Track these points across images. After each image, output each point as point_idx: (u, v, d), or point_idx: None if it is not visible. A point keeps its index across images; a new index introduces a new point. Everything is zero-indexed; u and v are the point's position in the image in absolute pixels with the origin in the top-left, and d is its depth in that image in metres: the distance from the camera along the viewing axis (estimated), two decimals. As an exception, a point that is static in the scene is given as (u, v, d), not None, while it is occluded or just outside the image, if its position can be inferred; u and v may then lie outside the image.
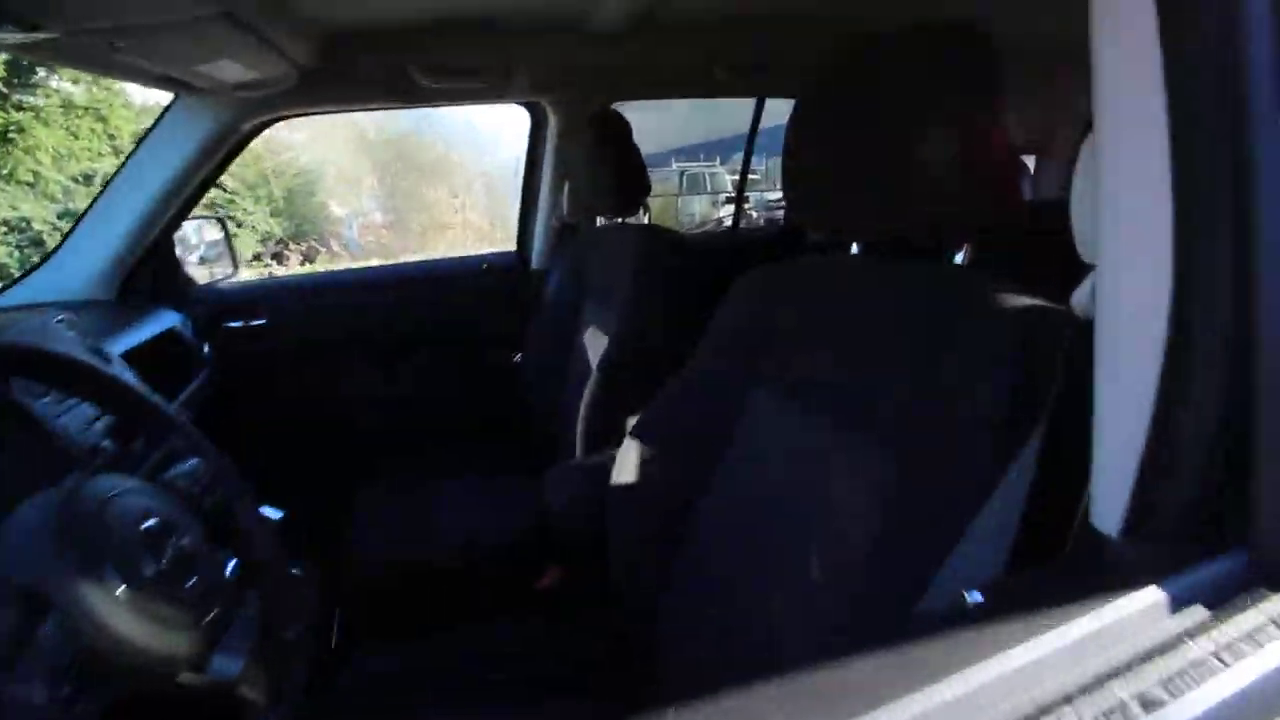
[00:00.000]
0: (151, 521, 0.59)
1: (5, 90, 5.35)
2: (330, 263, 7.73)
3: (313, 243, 8.35)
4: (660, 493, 0.92)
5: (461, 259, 1.87)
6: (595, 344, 1.46)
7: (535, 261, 1.89)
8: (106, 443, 0.73)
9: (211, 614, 0.59)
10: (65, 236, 1.40)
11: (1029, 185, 2.05)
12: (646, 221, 1.46)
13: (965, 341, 0.58)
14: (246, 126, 1.42)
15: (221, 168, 1.49)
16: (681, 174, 8.35)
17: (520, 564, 1.29)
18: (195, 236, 1.70)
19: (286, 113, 1.42)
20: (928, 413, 0.60)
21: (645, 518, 0.94)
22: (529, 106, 1.74)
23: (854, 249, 0.85)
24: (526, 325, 1.90)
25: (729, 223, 2.30)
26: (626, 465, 0.96)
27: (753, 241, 2.21)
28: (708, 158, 8.78)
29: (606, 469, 0.98)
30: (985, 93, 0.62)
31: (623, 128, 1.39)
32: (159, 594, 0.56)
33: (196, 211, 1.60)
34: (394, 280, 1.79)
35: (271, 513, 1.02)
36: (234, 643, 0.60)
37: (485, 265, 1.87)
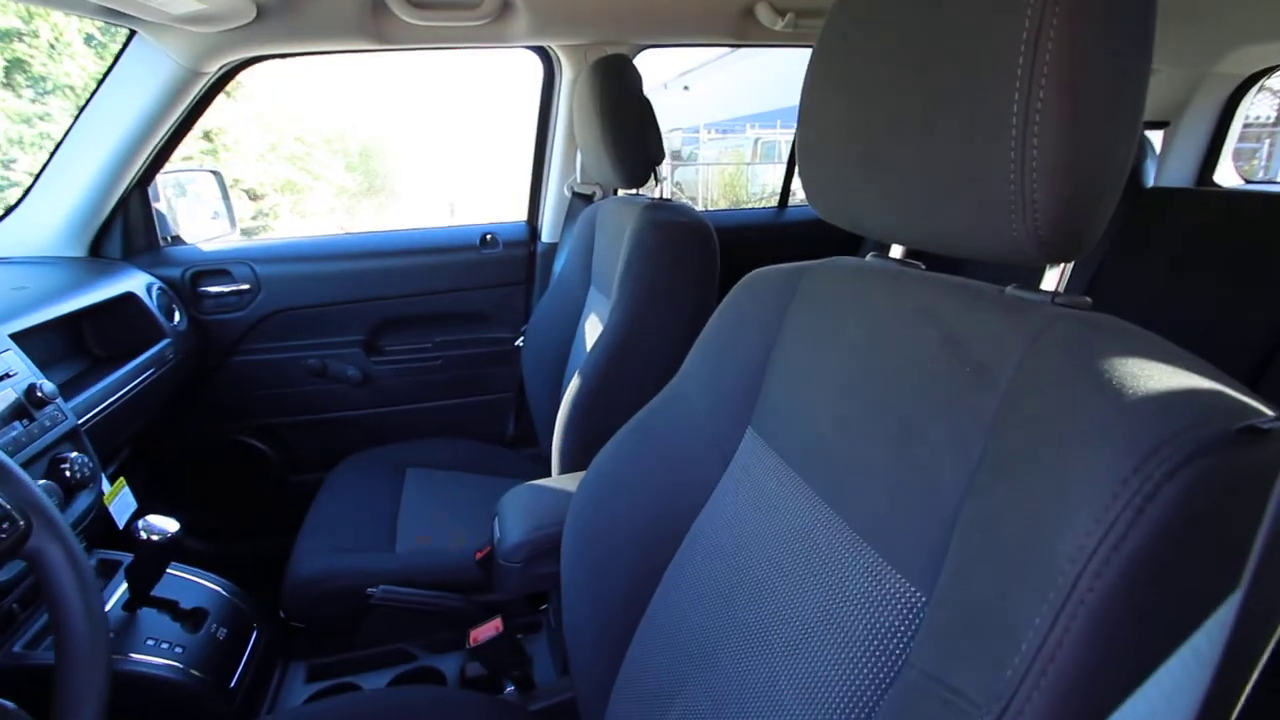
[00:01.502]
0: None
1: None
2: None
3: (382, 200, 8.49)
4: (623, 541, 0.70)
5: (465, 227, 1.68)
6: (591, 336, 1.24)
7: (545, 234, 1.67)
8: None
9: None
10: (28, 188, 1.29)
11: (1153, 167, 1.65)
12: (660, 195, 1.20)
13: (1074, 451, 0.33)
14: (210, 69, 1.26)
15: (192, 117, 1.35)
16: (755, 141, 7.86)
17: (461, 609, 1.11)
18: (183, 191, 1.58)
19: (249, 53, 1.24)
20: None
21: (601, 574, 0.72)
22: (539, 53, 1.50)
23: (894, 251, 0.59)
24: (531, 305, 1.70)
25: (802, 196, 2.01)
26: (584, 507, 0.75)
27: (799, 226, 1.91)
28: (787, 124, 8.25)
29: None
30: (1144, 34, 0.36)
31: (631, 78, 1.14)
32: None
33: (187, 165, 1.48)
34: (391, 248, 1.62)
35: (162, 525, 0.87)
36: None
37: (489, 235, 1.66)
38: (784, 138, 7.59)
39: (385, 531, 1.23)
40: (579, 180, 1.57)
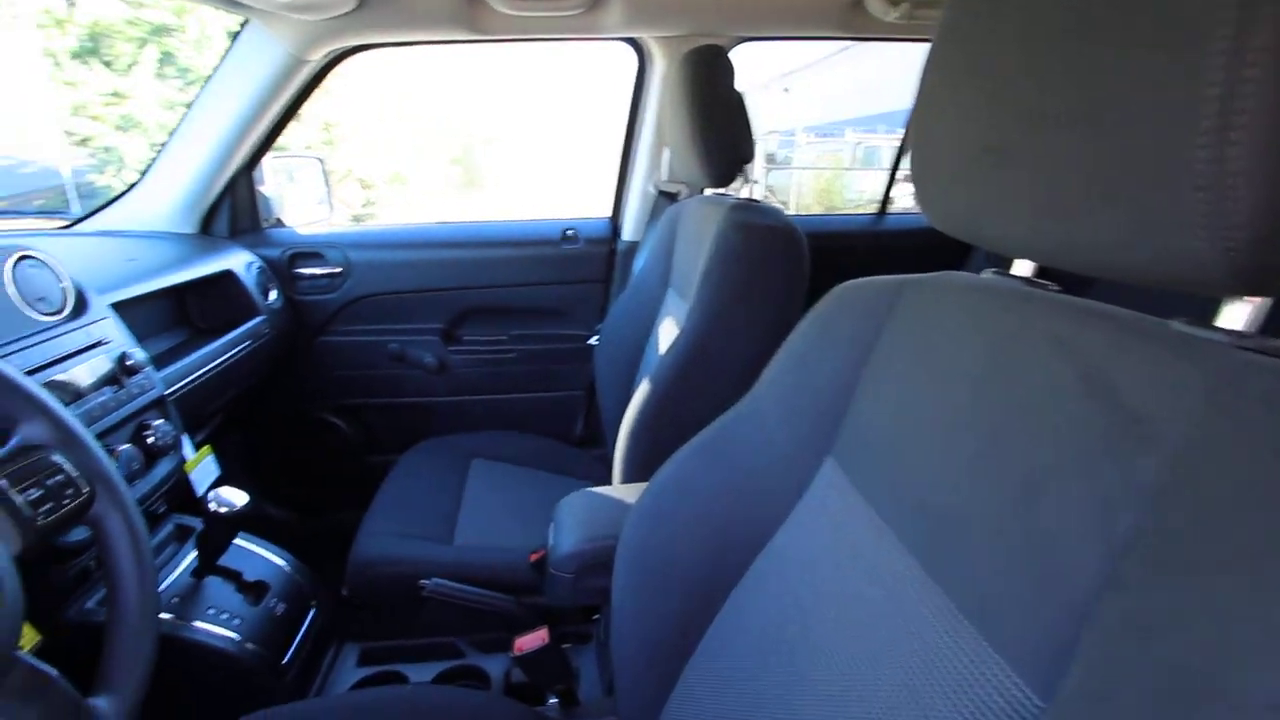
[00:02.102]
0: None
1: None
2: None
3: (481, 192, 8.84)
4: (680, 566, 0.64)
5: (548, 222, 1.67)
6: (666, 340, 1.19)
7: (628, 232, 1.63)
8: None
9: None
10: (147, 167, 1.38)
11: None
12: (748, 196, 1.13)
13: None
14: (314, 57, 1.30)
15: (297, 103, 1.40)
16: (855, 146, 7.55)
17: (510, 611, 1.08)
18: (287, 176, 1.65)
19: (351, 42, 1.27)
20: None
21: (654, 597, 0.66)
22: (632, 45, 1.46)
23: (1019, 268, 0.50)
24: (608, 303, 1.67)
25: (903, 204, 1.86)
26: (640, 526, 0.69)
27: (900, 235, 1.77)
28: (891, 128, 7.89)
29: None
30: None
31: (725, 70, 1.07)
32: None
33: (290, 150, 1.54)
34: (474, 239, 1.63)
35: (230, 498, 0.88)
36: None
37: (571, 231, 1.64)
38: (886, 143, 7.25)
39: (445, 522, 1.22)
40: (665, 178, 1.52)
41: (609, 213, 1.70)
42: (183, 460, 1.00)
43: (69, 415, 0.60)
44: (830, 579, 0.52)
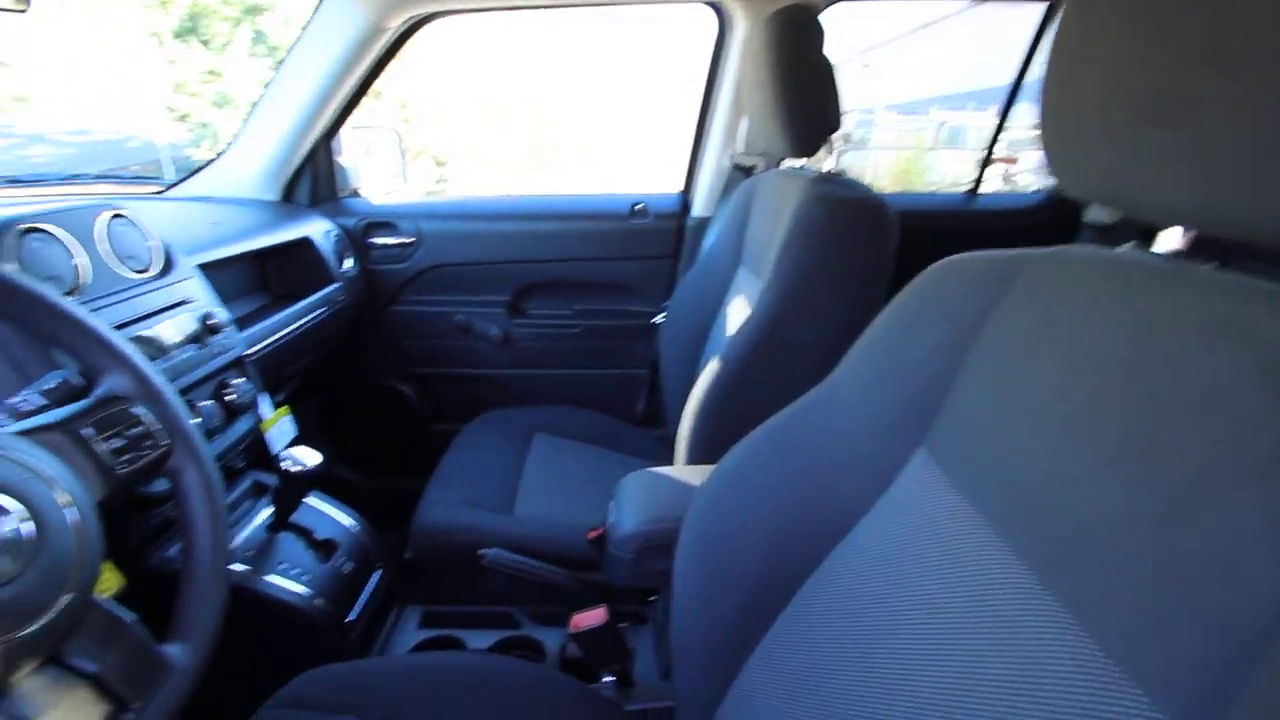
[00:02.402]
0: None
1: None
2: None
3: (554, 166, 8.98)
4: (746, 556, 0.61)
5: (617, 196, 1.63)
6: (736, 320, 1.14)
7: (699, 207, 1.58)
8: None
9: (12, 638, 0.43)
10: (235, 136, 1.43)
11: None
12: (829, 169, 1.06)
13: None
14: (393, 24, 1.30)
15: (374, 73, 1.41)
16: (940, 125, 7.14)
17: (567, 586, 1.07)
18: (364, 147, 1.68)
19: (428, 9, 1.26)
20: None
21: (718, 586, 0.62)
22: (713, 8, 1.39)
23: (1167, 240, 0.43)
24: (676, 281, 1.63)
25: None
26: (706, 511, 0.66)
27: (994, 213, 1.64)
28: (981, 107, 7.42)
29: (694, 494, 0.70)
30: None
31: (815, 33, 1.00)
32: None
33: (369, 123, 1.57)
34: (542, 212, 1.62)
35: (304, 457, 0.90)
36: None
37: (640, 205, 1.60)
38: (973, 122, 6.82)
39: (506, 493, 1.23)
40: (741, 150, 1.45)
41: (680, 188, 1.65)
42: (260, 419, 1.03)
43: (152, 369, 0.62)
44: (917, 582, 0.47)
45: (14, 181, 1.20)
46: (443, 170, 8.63)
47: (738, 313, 1.15)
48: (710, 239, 1.49)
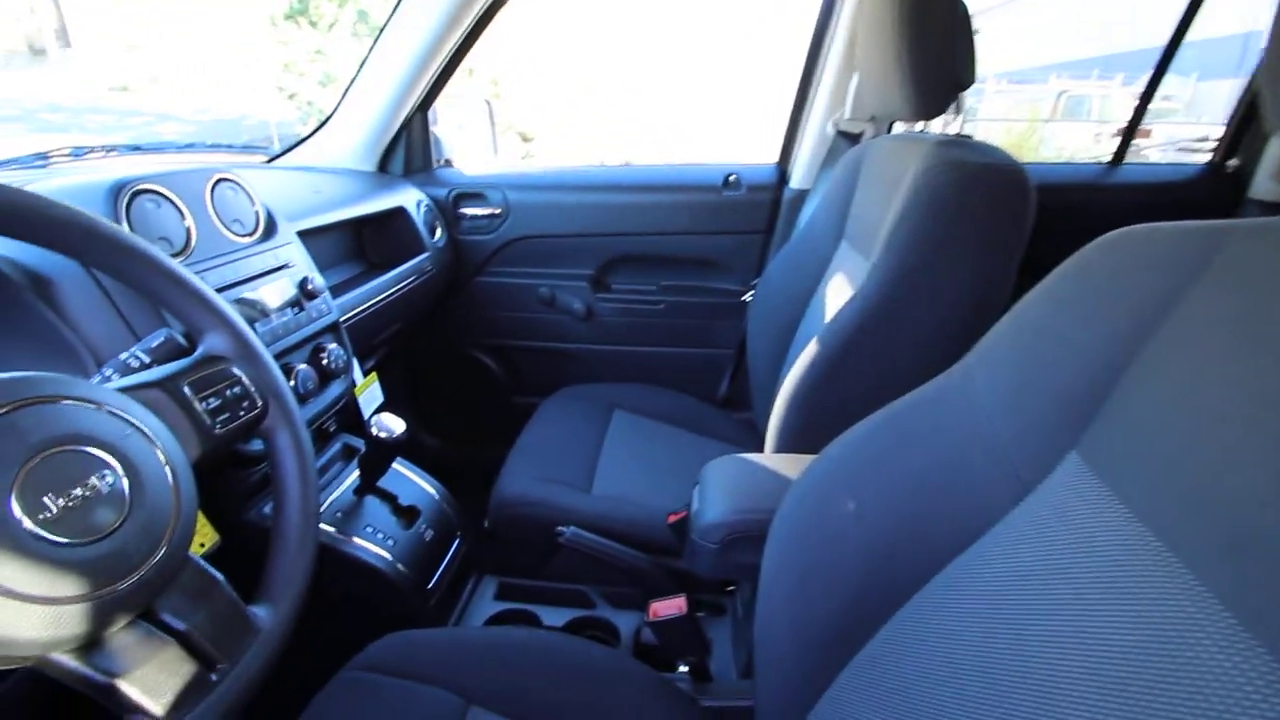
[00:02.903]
0: (64, 449, 0.44)
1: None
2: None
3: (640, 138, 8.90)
4: (849, 557, 0.55)
5: (709, 166, 1.56)
6: (835, 300, 1.05)
7: (796, 179, 1.48)
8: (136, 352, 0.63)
9: (107, 591, 0.43)
10: (334, 108, 1.45)
11: None
12: (956, 133, 0.95)
13: None
14: (488, -13, 1.27)
15: (469, 41, 1.39)
16: (1059, 95, 6.51)
17: (645, 570, 1.04)
18: (457, 118, 1.68)
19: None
20: None
21: (812, 587, 0.57)
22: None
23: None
24: (767, 258, 1.54)
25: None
26: (804, 502, 0.61)
27: (1142, 186, 1.44)
28: (1105, 75, 6.72)
29: (786, 485, 0.65)
30: None
31: None
32: (39, 545, 0.42)
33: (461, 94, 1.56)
34: (630, 183, 1.57)
35: (391, 425, 0.90)
36: (125, 645, 0.44)
37: (733, 176, 1.52)
38: (1097, 91, 6.17)
39: (585, 469, 1.21)
40: (848, 116, 1.34)
41: (776, 158, 1.56)
42: (353, 384, 1.05)
43: (251, 332, 0.62)
44: (1070, 605, 0.39)
45: (137, 149, 1.26)
46: (529, 146, 8.74)
47: (838, 292, 1.07)
48: (808, 213, 1.40)
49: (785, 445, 0.96)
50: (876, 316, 0.86)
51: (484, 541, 1.18)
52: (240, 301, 0.82)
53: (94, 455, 0.44)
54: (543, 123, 8.71)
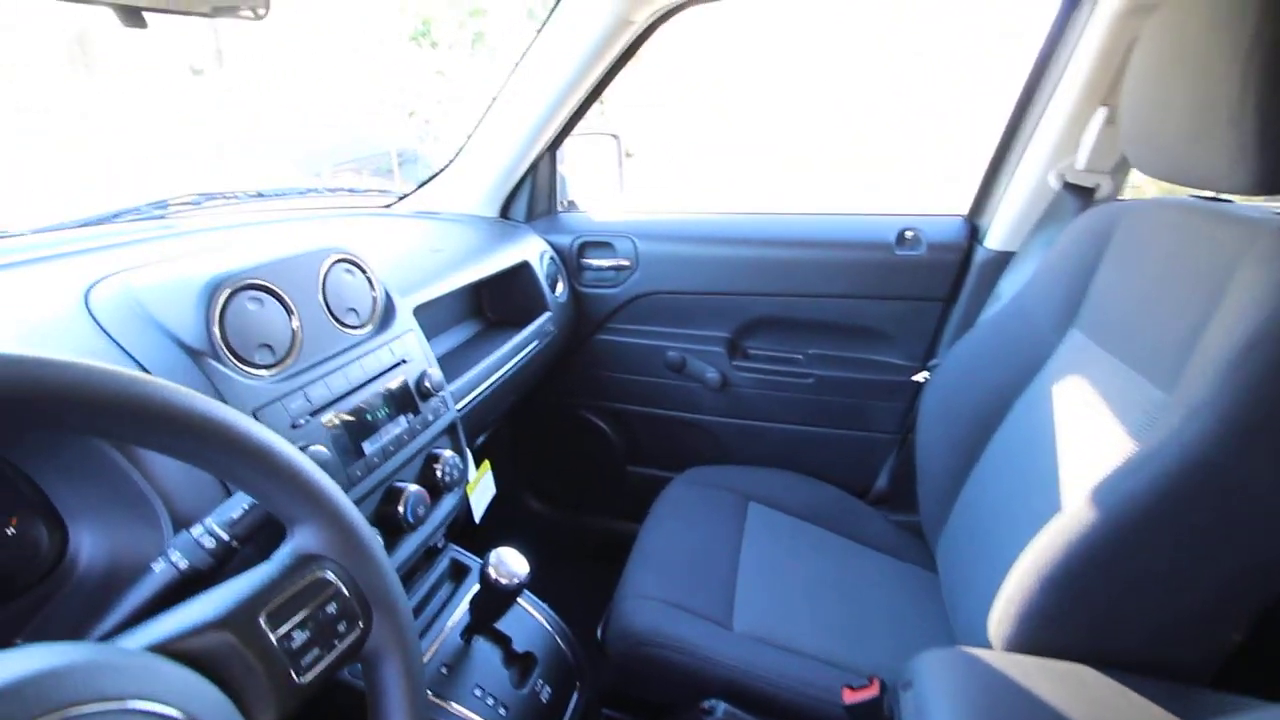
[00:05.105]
0: None
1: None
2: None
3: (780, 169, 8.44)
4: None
5: (879, 218, 1.30)
6: (1080, 421, 0.78)
7: (996, 238, 1.20)
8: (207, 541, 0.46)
9: None
10: (460, 148, 1.32)
11: None
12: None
13: None
14: (639, 17, 1.09)
15: (611, 74, 1.22)
16: None
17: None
18: (583, 155, 1.52)
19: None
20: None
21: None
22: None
23: None
24: (947, 331, 1.27)
25: None
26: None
27: None
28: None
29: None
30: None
31: None
32: None
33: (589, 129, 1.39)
34: (779, 236, 1.33)
35: (513, 565, 0.72)
36: None
37: (910, 232, 1.26)
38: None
39: (723, 591, 0.99)
40: (1082, 165, 1.05)
41: (965, 209, 1.28)
42: (465, 482, 0.89)
43: (361, 520, 0.44)
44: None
45: (259, 195, 1.17)
46: (630, 160, 8.59)
47: (1086, 410, 0.79)
48: (1015, 282, 1.12)
49: (1024, 641, 0.69)
50: (1200, 485, 0.59)
51: (596, 656, 0.98)
52: (348, 417, 0.67)
53: None
54: (651, 143, 8.56)
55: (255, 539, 0.48)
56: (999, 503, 0.88)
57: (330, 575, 0.42)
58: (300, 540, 0.43)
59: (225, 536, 0.47)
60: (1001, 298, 1.15)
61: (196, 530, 0.46)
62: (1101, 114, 1.02)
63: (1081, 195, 1.07)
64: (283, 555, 0.42)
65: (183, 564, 0.46)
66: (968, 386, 1.01)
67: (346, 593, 0.43)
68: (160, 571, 0.46)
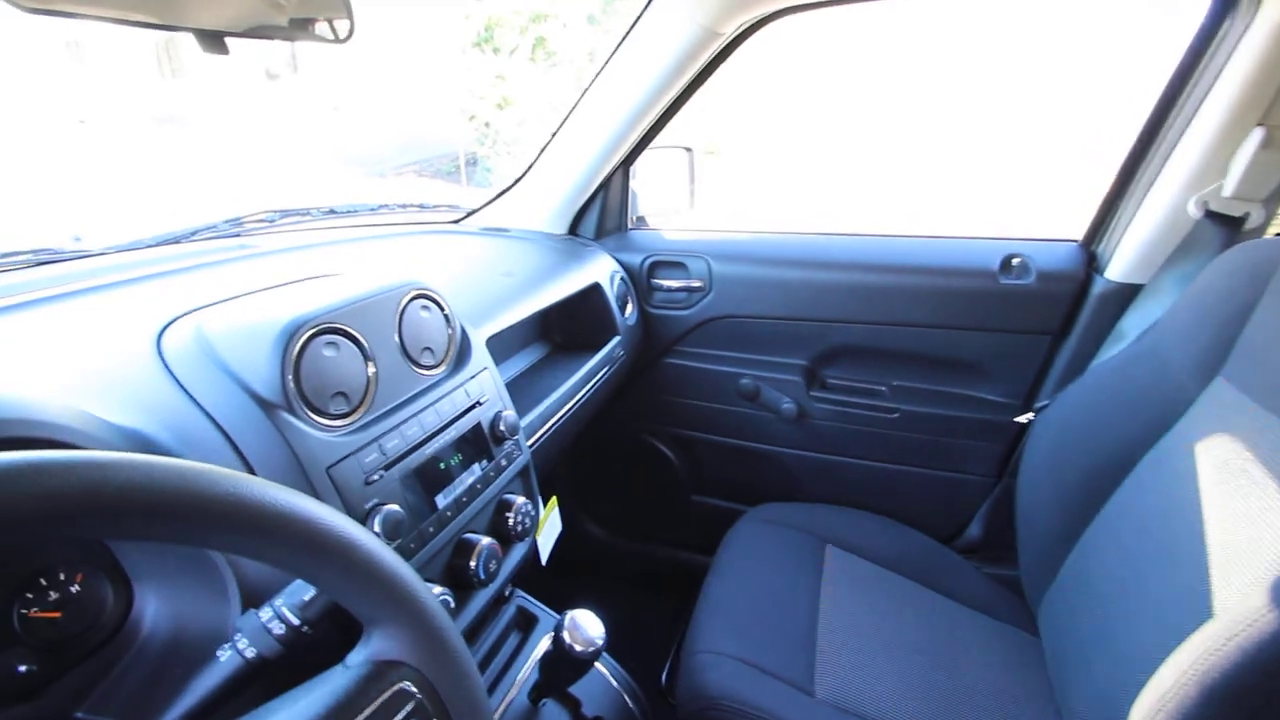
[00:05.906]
0: None
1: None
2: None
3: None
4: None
5: (982, 241, 1.19)
6: (1219, 489, 0.67)
7: (1118, 268, 1.08)
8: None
9: None
10: (531, 163, 1.28)
11: None
12: None
13: None
14: (728, 28, 1.02)
15: (693, 88, 1.15)
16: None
17: None
18: (656, 169, 1.46)
19: (774, 6, 0.95)
20: None
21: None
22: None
23: None
24: (1056, 367, 1.15)
25: None
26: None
27: None
28: None
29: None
30: None
31: None
32: None
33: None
34: (868, 260, 1.24)
35: (589, 629, 0.67)
36: None
37: (1016, 258, 1.15)
38: None
39: (803, 650, 0.91)
40: (1229, 192, 0.93)
41: (1080, 234, 1.16)
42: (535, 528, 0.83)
43: (450, 625, 0.39)
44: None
45: (331, 212, 1.16)
46: (711, 158, 8.35)
47: (1222, 459, 0.68)
48: (1144, 320, 0.99)
49: None
50: None
51: (657, 701, 0.91)
52: (421, 467, 0.62)
53: None
54: (735, 142, 8.33)
55: (327, 619, 0.43)
56: (1126, 574, 0.77)
57: (411, 686, 0.37)
58: (379, 645, 0.37)
59: (296, 621, 0.42)
60: (1126, 336, 1.02)
61: (265, 614, 0.42)
62: (1258, 135, 0.89)
63: (1227, 225, 0.95)
64: (359, 663, 0.37)
65: (250, 653, 0.41)
66: (1084, 434, 0.90)
67: (429, 707, 0.37)
68: (226, 660, 0.42)
